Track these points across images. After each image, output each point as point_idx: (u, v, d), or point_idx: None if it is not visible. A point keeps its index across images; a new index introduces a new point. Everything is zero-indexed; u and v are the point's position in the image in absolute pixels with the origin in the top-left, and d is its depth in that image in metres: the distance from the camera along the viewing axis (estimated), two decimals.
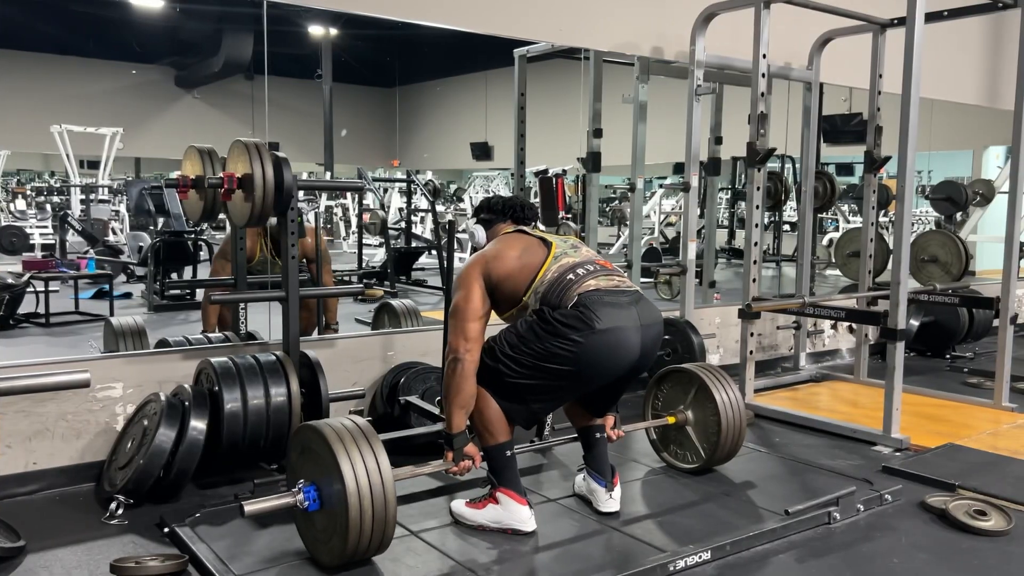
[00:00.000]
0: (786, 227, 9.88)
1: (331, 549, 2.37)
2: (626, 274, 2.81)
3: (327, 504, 2.37)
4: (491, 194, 10.85)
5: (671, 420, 3.31)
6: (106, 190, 10.31)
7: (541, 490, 3.09)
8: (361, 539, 2.31)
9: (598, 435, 2.91)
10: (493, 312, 2.79)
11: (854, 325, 5.32)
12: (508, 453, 2.72)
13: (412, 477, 2.78)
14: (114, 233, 9.74)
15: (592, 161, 5.00)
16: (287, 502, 2.40)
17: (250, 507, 2.35)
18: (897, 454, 3.68)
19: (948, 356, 5.84)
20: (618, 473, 2.95)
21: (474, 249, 2.99)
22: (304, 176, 11.57)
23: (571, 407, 2.96)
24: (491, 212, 3.00)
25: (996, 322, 4.65)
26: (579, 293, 2.60)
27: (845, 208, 10.94)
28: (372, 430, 2.43)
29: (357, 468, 2.30)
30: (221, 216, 3.37)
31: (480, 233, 2.99)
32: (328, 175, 11.95)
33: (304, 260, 4.64)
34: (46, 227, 10.20)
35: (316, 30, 11.78)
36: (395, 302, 4.85)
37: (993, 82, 6.46)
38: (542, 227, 3.01)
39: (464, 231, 2.98)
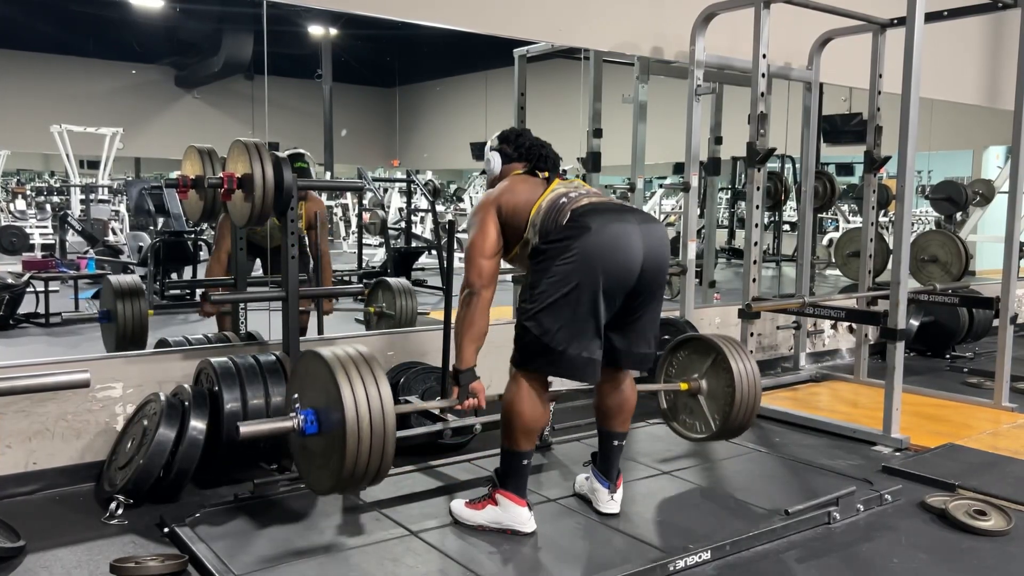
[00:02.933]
0: (786, 227, 9.87)
1: (331, 472, 2.33)
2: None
3: (325, 427, 2.34)
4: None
5: (684, 386, 3.29)
6: (106, 190, 10.31)
7: (541, 490, 3.09)
8: (359, 458, 2.26)
9: (616, 443, 2.88)
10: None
11: (854, 325, 5.32)
12: (525, 463, 2.68)
13: (413, 410, 2.95)
14: (114, 233, 9.73)
15: (592, 161, 5.00)
16: (286, 425, 2.39)
17: (246, 428, 2.36)
18: (897, 454, 3.68)
19: (948, 356, 5.84)
20: (622, 476, 2.94)
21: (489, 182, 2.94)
22: None
23: (601, 399, 2.88)
24: (516, 150, 2.89)
25: (996, 322, 4.65)
26: (572, 209, 2.57)
27: (845, 208, 10.94)
28: (374, 356, 2.40)
29: (356, 389, 2.27)
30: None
31: (496, 162, 2.90)
32: (328, 175, 11.95)
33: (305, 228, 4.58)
34: (46, 227, 10.20)
35: (316, 30, 11.79)
36: (391, 280, 4.81)
37: (993, 82, 6.46)
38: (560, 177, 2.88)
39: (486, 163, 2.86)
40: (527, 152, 2.87)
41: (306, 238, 4.49)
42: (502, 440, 2.70)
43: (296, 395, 2.48)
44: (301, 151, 4.34)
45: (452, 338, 3.38)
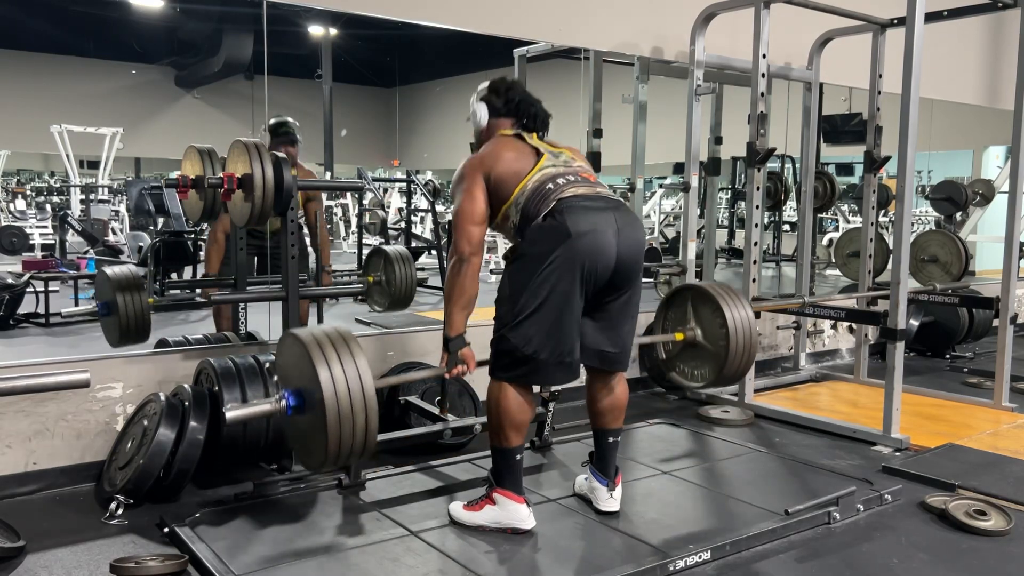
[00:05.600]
0: (786, 227, 9.87)
1: (319, 448, 2.33)
2: (610, 188, 2.74)
3: (308, 406, 2.34)
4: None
5: (679, 336, 3.26)
6: (106, 190, 10.32)
7: (541, 490, 3.09)
8: (343, 433, 2.26)
9: (611, 439, 2.87)
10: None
11: (854, 325, 5.32)
12: (518, 457, 2.68)
13: (399, 382, 2.87)
14: (114, 233, 9.74)
15: (592, 161, 5.00)
16: (270, 408, 2.39)
17: (232, 413, 2.34)
18: (897, 454, 3.68)
19: (948, 356, 5.84)
20: (621, 473, 2.94)
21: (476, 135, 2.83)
22: None
23: (593, 400, 2.88)
24: (506, 104, 2.78)
25: (996, 322, 4.65)
26: (557, 198, 2.54)
27: (845, 208, 10.94)
28: (351, 333, 2.38)
29: (333, 367, 2.26)
30: None
31: (483, 114, 2.80)
32: (328, 175, 11.96)
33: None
34: (46, 227, 10.20)
35: (316, 30, 11.79)
36: (388, 248, 4.74)
37: (993, 82, 6.46)
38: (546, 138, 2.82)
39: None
40: (516, 108, 2.77)
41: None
42: (491, 439, 2.71)
43: (278, 377, 2.47)
44: (286, 118, 4.30)
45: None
